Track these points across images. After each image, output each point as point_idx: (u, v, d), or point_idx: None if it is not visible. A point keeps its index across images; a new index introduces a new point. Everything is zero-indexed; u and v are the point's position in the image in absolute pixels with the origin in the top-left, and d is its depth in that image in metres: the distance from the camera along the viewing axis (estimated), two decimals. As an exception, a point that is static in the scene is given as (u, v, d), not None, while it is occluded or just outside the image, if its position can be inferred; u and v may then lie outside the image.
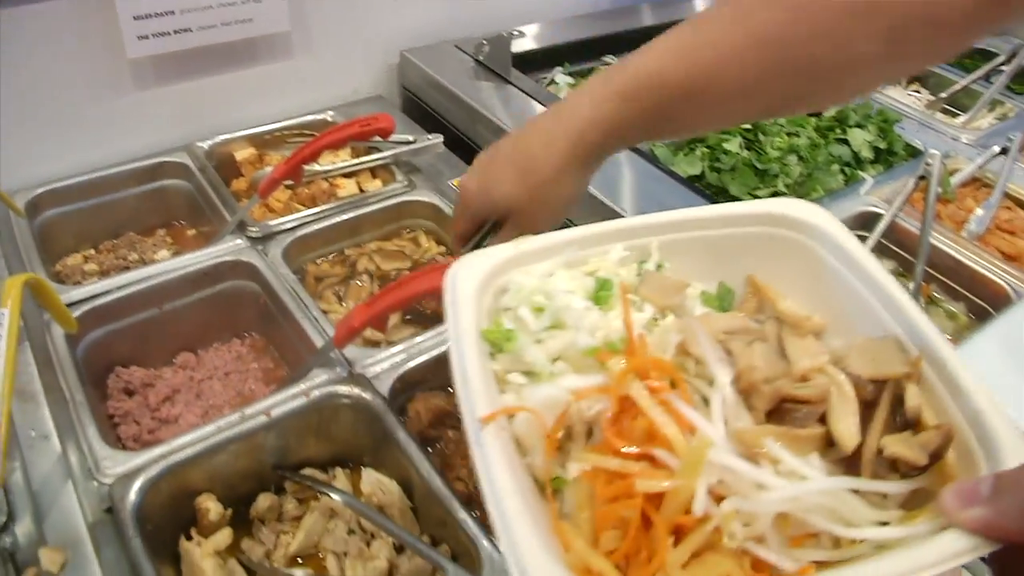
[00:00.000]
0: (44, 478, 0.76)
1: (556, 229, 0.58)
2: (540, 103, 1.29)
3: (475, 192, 0.74)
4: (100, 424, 0.81)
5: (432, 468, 0.75)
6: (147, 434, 0.90)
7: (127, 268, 1.11)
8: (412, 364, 0.86)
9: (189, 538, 0.76)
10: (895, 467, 0.40)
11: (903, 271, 1.13)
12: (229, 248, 1.02)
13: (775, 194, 1.18)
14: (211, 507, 0.76)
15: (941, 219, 1.17)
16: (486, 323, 0.48)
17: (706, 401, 0.42)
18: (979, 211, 1.17)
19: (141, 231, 1.20)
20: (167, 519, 0.75)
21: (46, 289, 0.74)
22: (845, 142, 1.28)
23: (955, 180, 1.24)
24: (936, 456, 0.40)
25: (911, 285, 1.04)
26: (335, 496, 0.76)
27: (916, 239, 1.09)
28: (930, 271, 1.09)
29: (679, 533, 0.38)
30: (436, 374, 0.88)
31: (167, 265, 0.99)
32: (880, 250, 1.12)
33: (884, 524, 0.39)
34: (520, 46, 1.46)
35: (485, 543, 0.69)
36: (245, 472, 0.81)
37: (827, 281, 0.51)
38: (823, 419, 0.42)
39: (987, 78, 1.58)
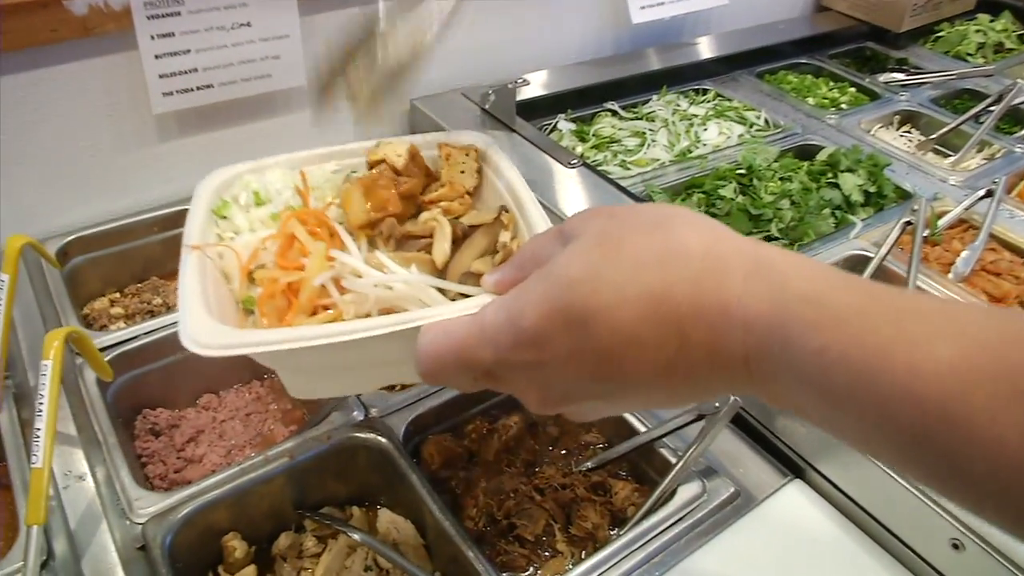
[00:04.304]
0: (80, 518, 0.81)
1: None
2: (542, 150, 1.35)
3: None
4: (130, 463, 0.86)
5: (443, 509, 0.80)
6: (173, 473, 0.95)
7: (151, 312, 1.16)
8: (423, 409, 0.92)
9: (217, 575, 0.81)
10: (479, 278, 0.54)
11: (892, 312, 1.18)
12: (250, 295, 1.07)
13: (768, 239, 1.23)
14: (237, 546, 0.81)
15: (928, 261, 1.22)
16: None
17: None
18: (965, 253, 1.22)
19: (164, 275, 1.26)
20: (195, 557, 0.80)
21: (85, 341, 0.80)
22: (836, 186, 1.34)
23: (943, 222, 1.29)
24: None
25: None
26: (353, 535, 0.81)
27: (903, 282, 1.14)
28: (917, 313, 1.13)
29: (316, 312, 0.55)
30: (446, 417, 0.94)
31: (192, 312, 1.05)
32: (870, 292, 1.18)
33: None
34: (525, 93, 1.52)
35: (494, 580, 0.74)
36: (267, 512, 0.86)
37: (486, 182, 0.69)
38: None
39: (977, 119, 1.63)
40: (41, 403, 0.74)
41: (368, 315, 0.53)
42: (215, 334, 0.51)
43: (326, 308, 0.54)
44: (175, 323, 1.00)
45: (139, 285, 1.24)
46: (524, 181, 0.65)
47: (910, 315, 0.37)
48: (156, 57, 1.12)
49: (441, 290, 0.54)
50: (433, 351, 0.47)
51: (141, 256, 1.25)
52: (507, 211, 0.61)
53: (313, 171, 0.67)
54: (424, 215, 0.63)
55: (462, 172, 0.67)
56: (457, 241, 0.59)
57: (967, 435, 0.34)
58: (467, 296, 0.52)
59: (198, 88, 1.19)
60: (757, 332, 0.39)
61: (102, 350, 0.97)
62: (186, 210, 1.21)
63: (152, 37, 1.11)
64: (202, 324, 0.51)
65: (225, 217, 0.64)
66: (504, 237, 0.59)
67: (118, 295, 1.23)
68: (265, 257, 0.60)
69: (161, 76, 1.14)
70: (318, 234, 0.59)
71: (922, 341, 0.36)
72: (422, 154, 0.68)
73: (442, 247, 0.58)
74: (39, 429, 0.74)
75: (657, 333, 0.41)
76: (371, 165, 0.66)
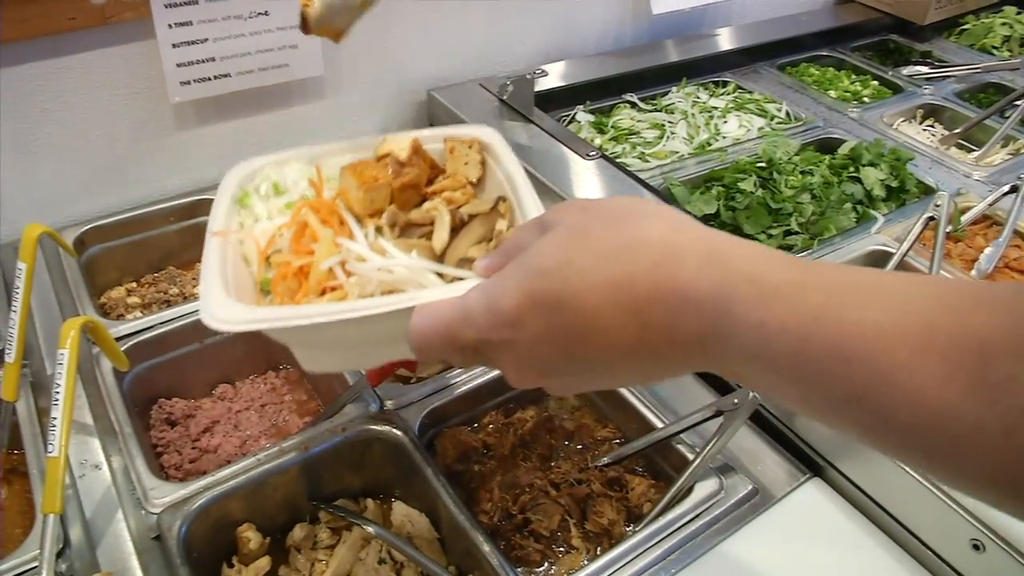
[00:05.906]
0: (96, 507, 0.81)
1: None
2: (560, 141, 1.34)
3: None
4: (145, 453, 0.86)
5: (458, 503, 0.79)
6: (188, 463, 0.95)
7: (168, 302, 1.17)
8: (438, 402, 0.91)
9: (231, 566, 0.81)
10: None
11: (914, 309, 1.16)
12: (266, 285, 1.07)
13: (788, 233, 1.22)
14: (251, 537, 0.81)
15: (951, 257, 1.21)
16: None
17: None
18: (988, 250, 1.20)
19: (180, 264, 1.26)
20: (210, 547, 0.80)
21: (101, 331, 0.79)
22: (858, 180, 1.32)
23: (966, 218, 1.27)
24: None
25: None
26: (368, 527, 0.81)
27: (926, 278, 1.12)
28: (940, 309, 1.11)
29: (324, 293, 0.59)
30: (463, 409, 0.93)
31: (208, 302, 1.04)
32: (891, 288, 1.16)
33: None
34: (544, 84, 1.51)
35: (509, 575, 0.74)
36: (282, 503, 0.86)
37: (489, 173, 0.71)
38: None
39: (1002, 113, 1.60)
40: (57, 392, 0.74)
41: (371, 296, 0.57)
42: (230, 311, 0.55)
43: (334, 289, 0.59)
44: (191, 313, 1.02)
45: (156, 275, 1.24)
46: (523, 172, 0.67)
47: (843, 286, 0.40)
48: (174, 46, 1.12)
49: (440, 274, 0.58)
50: (422, 330, 0.51)
51: (158, 245, 1.25)
52: (505, 201, 0.64)
53: (330, 163, 0.70)
54: (427, 204, 0.65)
55: (466, 164, 0.70)
56: (456, 229, 0.62)
57: (891, 389, 0.37)
58: (463, 280, 0.55)
59: (215, 77, 1.18)
60: (708, 312, 0.43)
61: (118, 339, 0.97)
62: (203, 199, 1.25)
63: (170, 26, 1.11)
64: (219, 302, 0.56)
65: (247, 206, 0.68)
66: (501, 225, 0.62)
67: (135, 284, 1.23)
68: (281, 243, 0.64)
69: (179, 65, 1.14)
70: (329, 222, 0.63)
71: (853, 308, 0.39)
72: (430, 148, 0.70)
73: (441, 235, 0.61)
74: (55, 418, 0.74)
75: (619, 317, 0.45)
76: (378, 159, 0.69)
